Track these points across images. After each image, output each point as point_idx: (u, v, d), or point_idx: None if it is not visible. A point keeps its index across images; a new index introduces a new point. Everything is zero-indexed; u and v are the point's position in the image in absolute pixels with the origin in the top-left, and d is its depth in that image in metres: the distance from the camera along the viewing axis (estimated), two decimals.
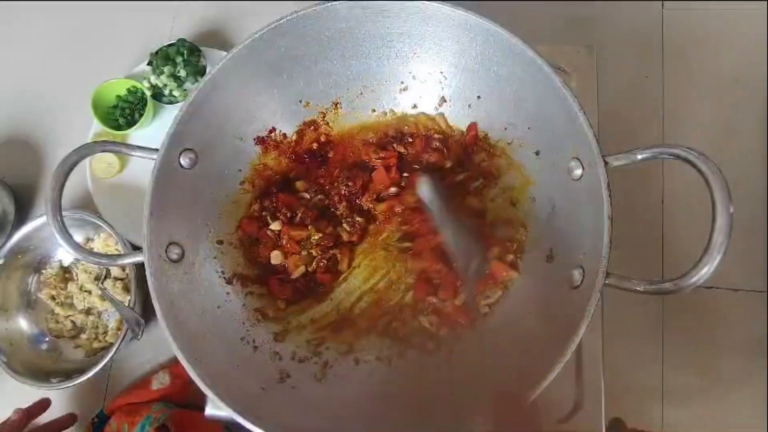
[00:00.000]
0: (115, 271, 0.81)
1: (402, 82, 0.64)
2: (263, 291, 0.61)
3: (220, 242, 0.61)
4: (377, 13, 0.56)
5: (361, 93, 0.65)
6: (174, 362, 0.79)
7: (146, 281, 0.50)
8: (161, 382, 0.76)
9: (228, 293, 0.59)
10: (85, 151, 0.52)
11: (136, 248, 0.52)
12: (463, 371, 0.55)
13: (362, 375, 0.57)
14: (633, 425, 0.71)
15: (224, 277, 0.60)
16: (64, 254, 0.84)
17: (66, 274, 0.84)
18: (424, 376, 0.56)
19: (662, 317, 0.81)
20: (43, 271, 0.83)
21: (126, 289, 0.80)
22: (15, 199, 0.85)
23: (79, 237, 0.82)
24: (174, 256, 0.54)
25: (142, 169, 0.86)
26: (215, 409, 0.60)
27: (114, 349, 0.72)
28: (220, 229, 0.61)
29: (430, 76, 0.62)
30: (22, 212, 0.88)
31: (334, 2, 0.54)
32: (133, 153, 0.53)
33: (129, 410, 0.72)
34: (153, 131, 0.86)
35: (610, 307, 0.63)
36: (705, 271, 0.40)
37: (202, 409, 0.59)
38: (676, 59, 0.88)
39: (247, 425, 0.47)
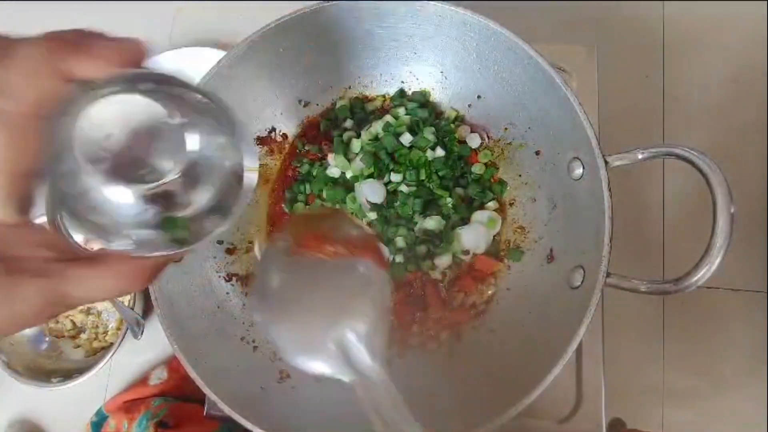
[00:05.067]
0: None
1: (403, 82, 0.64)
2: None
3: (220, 242, 0.61)
4: (377, 13, 0.56)
5: (362, 93, 0.65)
6: (171, 357, 0.79)
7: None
8: (158, 377, 0.76)
9: (228, 293, 0.59)
10: None
11: None
12: (464, 371, 0.55)
13: None
14: (633, 425, 0.71)
15: (224, 277, 0.60)
16: None
17: None
18: (424, 376, 0.56)
19: (663, 317, 0.81)
20: None
21: None
22: None
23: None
24: None
25: None
26: (215, 408, 0.60)
27: (114, 349, 0.72)
28: None
29: (430, 75, 0.62)
30: None
31: (334, 2, 0.54)
32: None
33: (127, 408, 0.72)
34: None
35: (610, 307, 0.63)
36: (705, 272, 0.40)
37: (201, 401, 0.59)
38: (677, 59, 0.88)
39: (247, 425, 0.47)
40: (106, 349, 0.79)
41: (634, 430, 0.69)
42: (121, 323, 0.76)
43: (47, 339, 0.81)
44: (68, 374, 0.75)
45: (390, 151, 0.60)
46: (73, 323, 0.82)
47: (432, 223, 0.59)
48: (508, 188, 0.61)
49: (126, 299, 0.78)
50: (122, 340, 0.72)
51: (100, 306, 0.81)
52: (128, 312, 0.73)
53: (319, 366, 0.32)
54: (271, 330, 0.33)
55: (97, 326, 0.82)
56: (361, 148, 0.61)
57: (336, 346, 0.32)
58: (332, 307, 0.33)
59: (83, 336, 0.81)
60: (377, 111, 0.65)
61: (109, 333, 0.80)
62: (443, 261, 0.59)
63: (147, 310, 0.77)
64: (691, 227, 0.81)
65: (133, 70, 0.24)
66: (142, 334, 0.73)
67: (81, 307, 0.81)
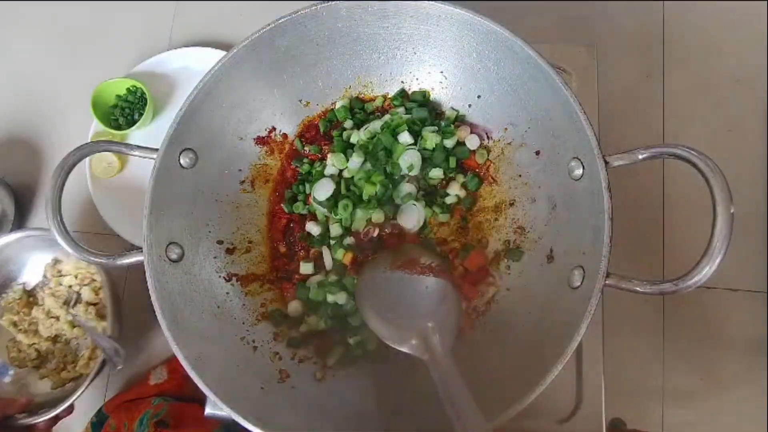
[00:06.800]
0: (87, 296, 0.76)
1: (402, 82, 0.64)
2: (274, 295, 0.62)
3: (220, 242, 0.61)
4: (377, 13, 0.56)
5: (362, 93, 0.65)
6: (171, 357, 0.79)
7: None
8: (158, 377, 0.76)
9: (228, 293, 0.59)
10: (84, 150, 0.52)
11: (136, 248, 0.52)
12: (464, 371, 0.55)
13: (362, 375, 0.57)
14: (633, 425, 0.71)
15: (224, 277, 0.60)
16: (28, 277, 0.79)
17: (30, 298, 0.78)
18: (424, 376, 0.56)
19: (662, 317, 0.81)
20: (4, 295, 0.78)
21: (99, 315, 0.74)
22: (15, 199, 0.85)
23: (48, 257, 0.78)
24: (174, 256, 0.54)
25: (141, 169, 0.86)
26: (215, 408, 0.60)
27: (88, 382, 0.67)
28: (220, 229, 0.61)
29: (429, 75, 0.62)
30: (22, 212, 0.88)
31: (334, 2, 0.54)
32: (132, 153, 0.53)
33: (128, 407, 0.72)
34: (153, 131, 0.86)
35: (610, 307, 0.63)
36: (705, 272, 0.40)
37: (200, 401, 0.59)
38: (677, 59, 0.88)
39: (247, 425, 0.46)
40: (76, 380, 0.73)
41: (634, 430, 0.70)
42: (94, 351, 0.71)
43: (11, 372, 0.75)
44: (35, 408, 0.68)
45: (387, 149, 0.60)
46: (38, 351, 0.75)
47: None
48: (472, 156, 0.62)
49: (100, 326, 0.72)
50: (98, 371, 0.67)
51: (69, 333, 0.76)
52: (106, 341, 0.67)
53: (404, 347, 0.48)
54: (371, 320, 0.51)
55: (65, 355, 0.75)
56: (357, 142, 0.61)
57: (420, 337, 0.48)
58: (422, 309, 0.51)
59: (49, 366, 0.75)
60: (377, 111, 0.65)
61: (80, 363, 0.74)
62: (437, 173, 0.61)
63: (123, 332, 0.72)
64: (691, 227, 0.81)
65: None
66: (123, 362, 0.68)
67: (47, 334, 0.76)
